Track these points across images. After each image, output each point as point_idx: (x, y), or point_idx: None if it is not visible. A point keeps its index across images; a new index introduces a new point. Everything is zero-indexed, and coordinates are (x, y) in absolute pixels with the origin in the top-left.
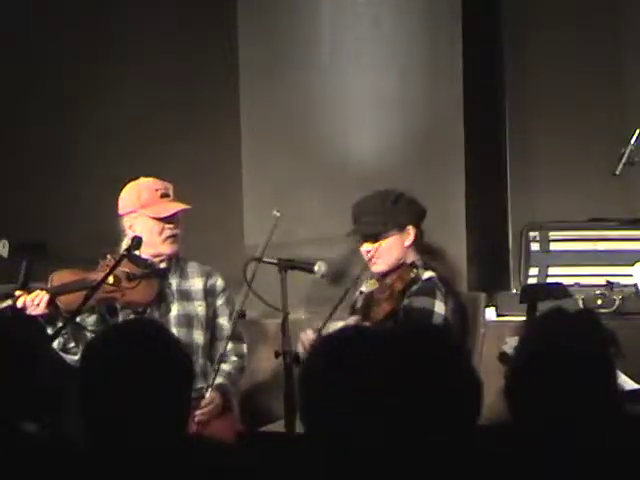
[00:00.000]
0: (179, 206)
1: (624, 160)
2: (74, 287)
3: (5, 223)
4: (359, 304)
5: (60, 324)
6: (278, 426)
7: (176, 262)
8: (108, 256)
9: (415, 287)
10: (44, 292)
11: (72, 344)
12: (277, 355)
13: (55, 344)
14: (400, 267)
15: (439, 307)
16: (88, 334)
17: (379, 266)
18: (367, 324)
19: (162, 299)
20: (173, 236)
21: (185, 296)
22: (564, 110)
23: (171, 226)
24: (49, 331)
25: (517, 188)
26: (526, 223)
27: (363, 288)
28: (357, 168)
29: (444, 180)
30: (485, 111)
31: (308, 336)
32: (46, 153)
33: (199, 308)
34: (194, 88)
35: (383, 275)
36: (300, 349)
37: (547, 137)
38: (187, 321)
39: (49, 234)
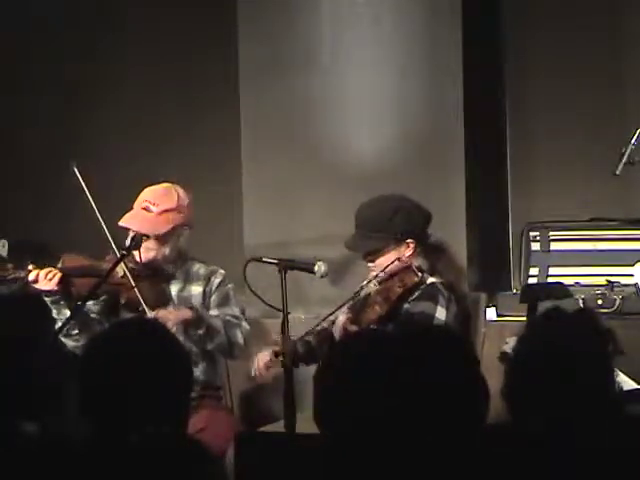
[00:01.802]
0: (130, 223)
1: (624, 160)
2: (85, 272)
3: (5, 223)
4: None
5: (64, 307)
6: (278, 426)
7: (182, 266)
8: (111, 251)
9: (418, 293)
10: (57, 270)
11: (75, 331)
12: (277, 355)
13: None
14: (402, 271)
15: (440, 313)
16: (92, 320)
17: (382, 276)
18: (354, 327)
19: (163, 303)
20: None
21: (184, 302)
22: (564, 110)
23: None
24: (54, 314)
25: (517, 188)
26: (526, 223)
27: (366, 290)
28: (357, 168)
29: (444, 180)
30: (485, 111)
31: (265, 357)
32: (46, 153)
33: None
34: (194, 88)
35: (386, 279)
36: (254, 367)
37: (547, 137)
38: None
39: (49, 234)
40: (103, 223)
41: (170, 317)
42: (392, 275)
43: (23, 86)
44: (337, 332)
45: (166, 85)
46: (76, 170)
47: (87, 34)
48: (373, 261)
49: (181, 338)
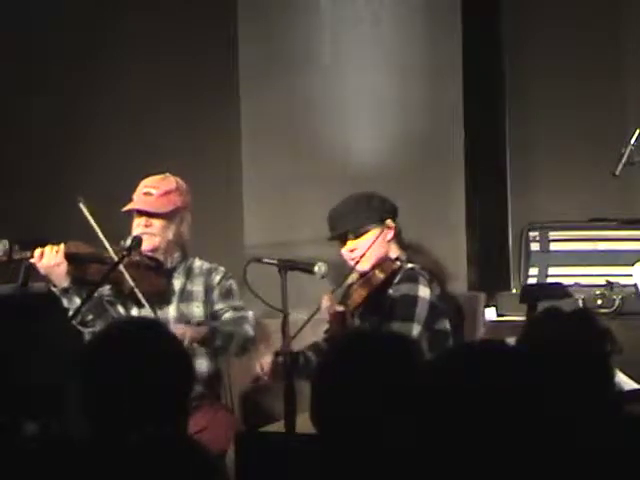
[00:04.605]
0: (135, 205)
1: (624, 160)
2: (87, 258)
3: (5, 223)
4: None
5: (74, 295)
6: (278, 426)
7: (182, 262)
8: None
9: (398, 277)
10: (60, 247)
11: (90, 317)
12: (277, 355)
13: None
14: (381, 262)
15: (423, 292)
16: (106, 306)
17: (363, 264)
18: (341, 307)
19: (164, 299)
20: (145, 233)
21: (186, 298)
22: (564, 110)
23: (140, 221)
24: (65, 303)
25: (517, 188)
26: (526, 223)
27: (348, 280)
28: (357, 168)
29: (444, 180)
30: (485, 111)
31: (267, 360)
32: (46, 153)
33: (196, 310)
34: (194, 88)
35: (367, 271)
36: (258, 370)
37: (547, 137)
38: (186, 322)
39: (49, 234)
40: (112, 252)
41: (187, 334)
42: (372, 267)
43: (23, 86)
44: (325, 315)
45: (166, 85)
46: (81, 206)
47: (87, 34)
48: (356, 237)
49: (203, 352)
